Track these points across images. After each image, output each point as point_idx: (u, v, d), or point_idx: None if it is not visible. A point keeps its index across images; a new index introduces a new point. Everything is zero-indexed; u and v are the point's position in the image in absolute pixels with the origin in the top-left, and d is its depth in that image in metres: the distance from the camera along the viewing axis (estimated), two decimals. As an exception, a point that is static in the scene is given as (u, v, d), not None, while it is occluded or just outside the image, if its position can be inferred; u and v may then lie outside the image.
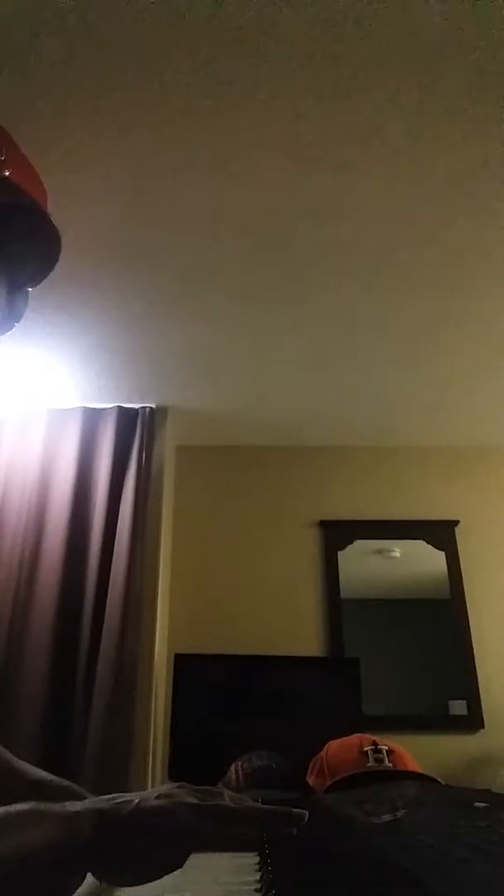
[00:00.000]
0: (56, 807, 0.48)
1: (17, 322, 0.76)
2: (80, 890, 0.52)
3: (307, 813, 0.51)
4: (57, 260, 0.76)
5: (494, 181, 1.72)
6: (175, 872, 0.50)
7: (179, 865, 0.50)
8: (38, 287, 0.81)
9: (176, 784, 0.55)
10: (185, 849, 0.50)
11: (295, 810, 0.51)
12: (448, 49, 1.39)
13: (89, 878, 0.53)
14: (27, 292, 0.77)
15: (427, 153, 1.64)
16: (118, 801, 0.51)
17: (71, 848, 0.46)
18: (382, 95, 1.49)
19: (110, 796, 0.52)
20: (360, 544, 2.95)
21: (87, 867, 0.49)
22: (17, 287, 0.75)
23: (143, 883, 0.50)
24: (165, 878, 0.50)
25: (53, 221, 0.71)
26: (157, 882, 0.50)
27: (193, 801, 0.51)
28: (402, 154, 1.65)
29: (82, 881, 0.50)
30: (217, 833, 0.50)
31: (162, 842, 0.49)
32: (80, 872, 0.49)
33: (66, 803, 0.49)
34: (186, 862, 0.50)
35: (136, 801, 0.50)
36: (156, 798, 0.51)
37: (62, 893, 0.48)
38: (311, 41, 1.38)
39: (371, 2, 1.30)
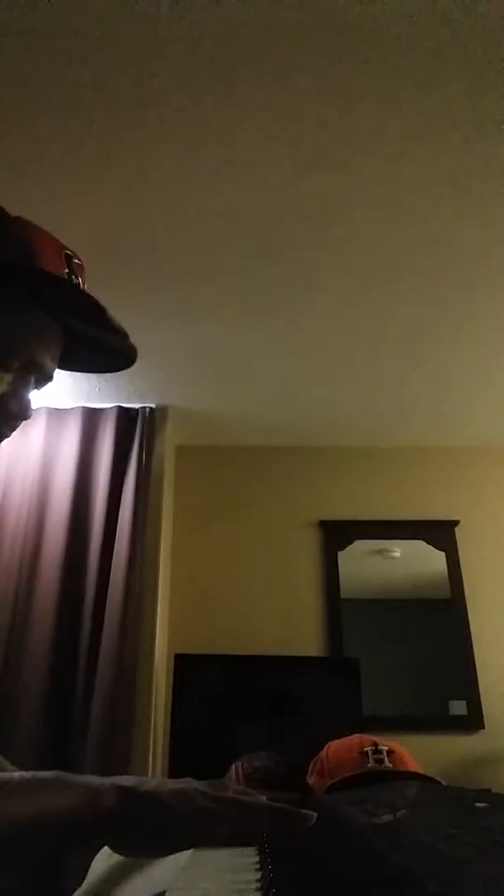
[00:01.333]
0: (79, 777, 0.50)
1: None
2: (80, 889, 0.52)
3: (315, 815, 0.51)
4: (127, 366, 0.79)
5: (495, 181, 1.72)
6: (175, 870, 0.50)
7: (189, 847, 0.52)
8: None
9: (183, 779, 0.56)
10: (199, 831, 0.51)
11: (305, 811, 0.52)
12: (448, 49, 1.39)
13: (90, 877, 0.53)
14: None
15: (427, 153, 1.64)
16: (137, 780, 0.52)
17: (93, 817, 0.48)
18: (382, 95, 1.49)
19: (128, 776, 0.53)
20: (360, 544, 2.95)
21: (106, 839, 0.50)
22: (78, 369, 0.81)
23: (153, 858, 0.51)
24: (166, 876, 0.50)
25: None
26: (158, 880, 0.50)
27: (208, 789, 0.53)
28: (402, 154, 1.65)
29: (83, 879, 0.51)
30: (230, 821, 0.52)
31: (178, 821, 0.50)
32: (98, 843, 0.50)
33: (88, 776, 0.51)
34: (186, 861, 0.50)
35: (156, 782, 0.52)
36: (174, 782, 0.53)
37: (67, 878, 0.49)
38: (312, 41, 1.38)
39: (371, 2, 1.30)
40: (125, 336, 0.73)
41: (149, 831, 0.50)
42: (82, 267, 0.75)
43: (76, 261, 0.73)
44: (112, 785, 0.50)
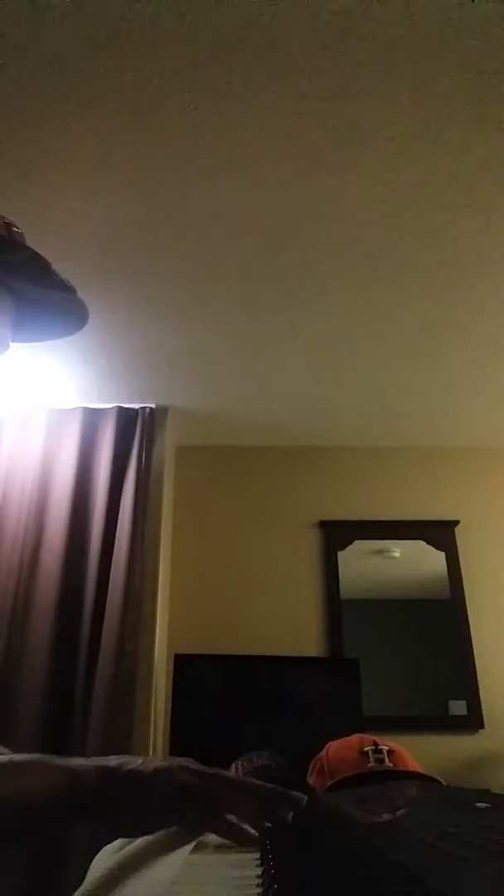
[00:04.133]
0: (61, 759, 0.51)
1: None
2: (80, 890, 0.52)
3: (305, 797, 0.51)
4: (76, 331, 0.79)
5: (494, 182, 1.72)
6: (176, 866, 0.50)
7: (174, 823, 0.52)
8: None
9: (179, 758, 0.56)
10: (184, 806, 0.51)
11: (294, 793, 0.52)
12: (448, 49, 1.39)
13: (89, 877, 0.53)
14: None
15: (427, 154, 1.64)
16: (122, 759, 0.53)
17: (74, 797, 0.48)
18: (382, 95, 1.49)
19: (116, 756, 0.54)
20: (360, 544, 2.95)
21: (89, 818, 0.51)
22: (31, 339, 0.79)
23: (142, 835, 0.52)
24: (167, 872, 0.50)
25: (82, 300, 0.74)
26: (160, 876, 0.50)
27: (196, 767, 0.53)
28: (402, 154, 1.65)
29: (88, 866, 0.51)
30: (217, 798, 0.52)
31: (162, 799, 0.50)
32: (81, 822, 0.51)
33: (71, 758, 0.51)
34: (187, 859, 0.51)
35: (140, 760, 0.52)
36: (161, 760, 0.53)
37: (65, 871, 0.50)
38: (312, 41, 1.38)
39: (371, 2, 1.30)
40: (73, 291, 0.72)
41: (131, 808, 0.50)
42: (23, 236, 0.72)
43: (16, 229, 0.71)
44: (94, 765, 0.50)
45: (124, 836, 0.55)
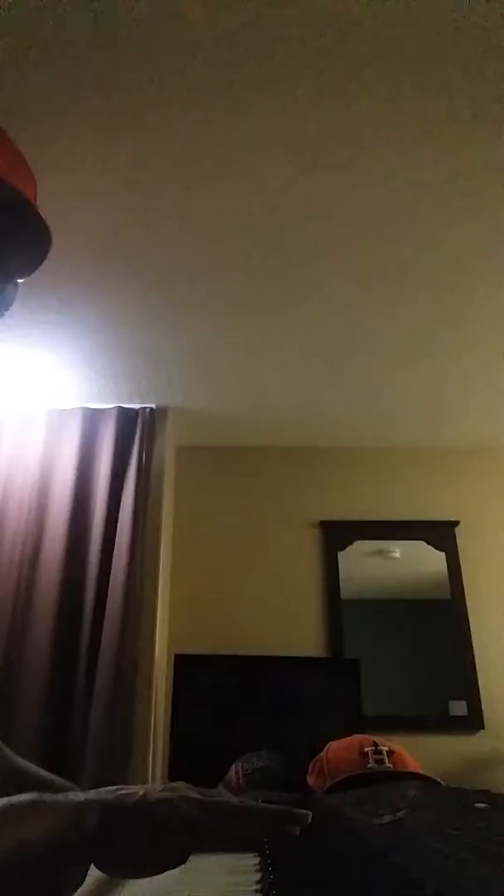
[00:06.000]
0: (59, 797, 0.48)
1: (6, 311, 0.76)
2: (80, 889, 0.52)
3: (311, 813, 0.50)
4: (47, 252, 0.76)
5: (494, 182, 1.72)
6: (175, 872, 0.50)
7: (182, 861, 0.50)
8: (40, 288, 0.81)
9: (176, 783, 0.55)
10: (189, 843, 0.49)
11: (299, 810, 0.51)
12: (448, 49, 1.39)
13: (90, 878, 0.53)
14: (17, 283, 0.77)
15: (427, 154, 1.64)
16: (122, 792, 0.50)
17: (75, 839, 0.46)
18: (382, 95, 1.49)
19: (114, 788, 0.52)
20: (360, 545, 2.95)
21: (90, 858, 0.48)
22: (5, 277, 0.75)
23: (145, 876, 0.50)
24: (166, 879, 0.50)
25: (41, 213, 0.69)
26: (158, 882, 0.50)
27: (198, 796, 0.51)
28: (402, 154, 1.64)
29: (83, 879, 0.50)
30: (221, 829, 0.50)
31: (165, 835, 0.48)
32: (83, 863, 0.49)
33: (70, 794, 0.49)
34: (186, 863, 0.50)
35: (141, 793, 0.50)
36: (160, 791, 0.51)
37: (62, 887, 0.48)
38: (312, 41, 1.38)
39: (371, 2, 1.30)
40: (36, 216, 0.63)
41: (131, 846, 0.48)
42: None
43: None
44: (94, 801, 0.48)
45: (125, 877, 0.53)
